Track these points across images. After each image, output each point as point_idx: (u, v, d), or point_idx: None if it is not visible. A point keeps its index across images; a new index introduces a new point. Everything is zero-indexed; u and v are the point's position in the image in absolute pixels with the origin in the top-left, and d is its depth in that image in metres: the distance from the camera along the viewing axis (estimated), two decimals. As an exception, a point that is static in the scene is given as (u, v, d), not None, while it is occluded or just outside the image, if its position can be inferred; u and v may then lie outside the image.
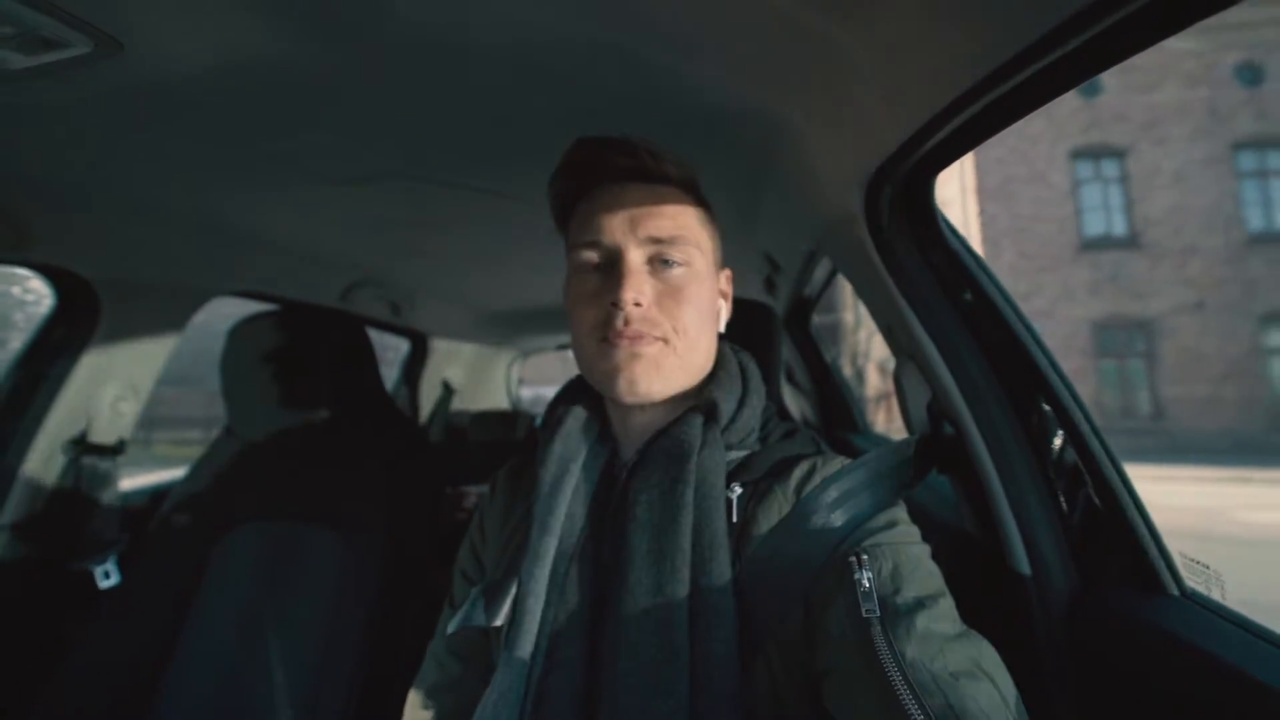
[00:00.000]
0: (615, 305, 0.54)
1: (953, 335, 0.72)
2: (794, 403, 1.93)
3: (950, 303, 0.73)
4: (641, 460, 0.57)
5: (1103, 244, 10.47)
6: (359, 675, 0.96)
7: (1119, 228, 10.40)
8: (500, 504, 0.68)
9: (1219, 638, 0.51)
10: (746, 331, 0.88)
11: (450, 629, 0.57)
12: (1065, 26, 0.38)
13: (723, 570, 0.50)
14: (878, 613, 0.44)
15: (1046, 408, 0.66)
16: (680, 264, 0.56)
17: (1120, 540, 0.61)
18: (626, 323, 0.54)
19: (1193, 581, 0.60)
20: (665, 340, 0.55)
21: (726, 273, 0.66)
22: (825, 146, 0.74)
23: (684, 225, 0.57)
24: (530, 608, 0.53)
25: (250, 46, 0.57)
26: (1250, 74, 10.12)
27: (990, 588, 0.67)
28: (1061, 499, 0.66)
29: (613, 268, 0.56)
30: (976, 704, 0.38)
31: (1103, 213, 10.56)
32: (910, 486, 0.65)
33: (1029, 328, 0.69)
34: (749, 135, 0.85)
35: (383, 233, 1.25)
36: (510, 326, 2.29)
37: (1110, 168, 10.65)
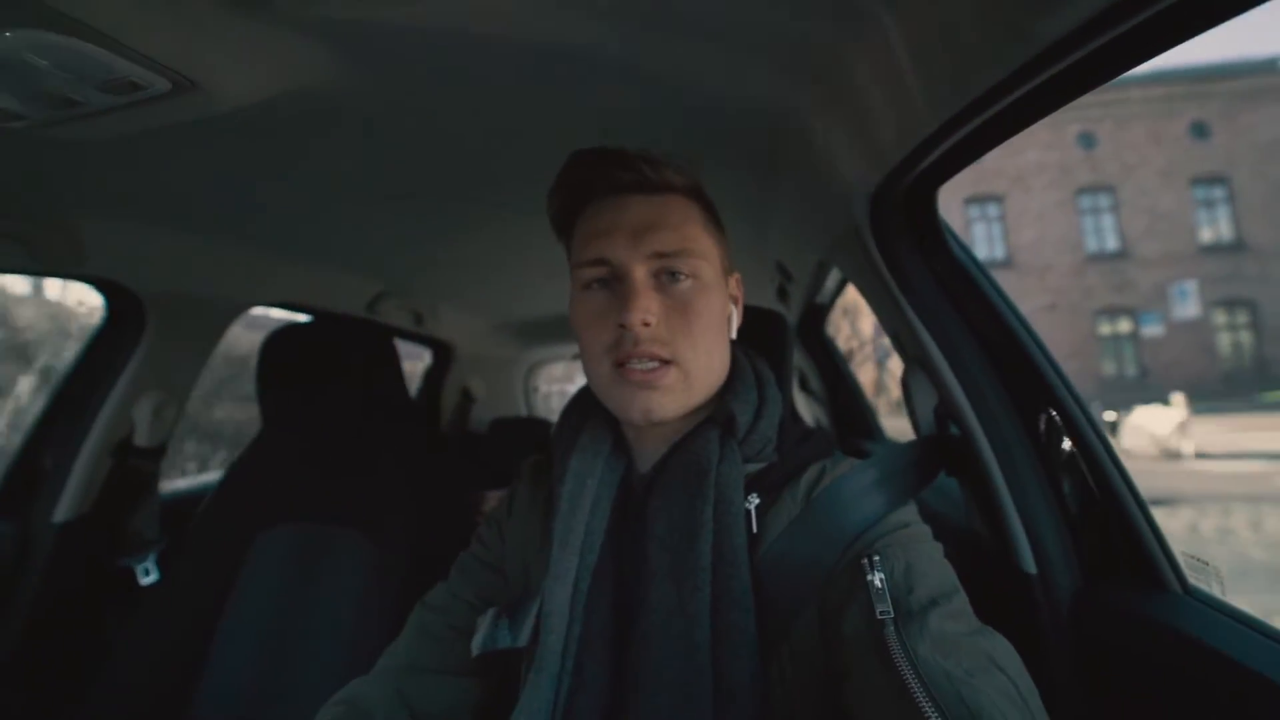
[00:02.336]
0: (624, 327, 0.52)
1: (958, 341, 0.72)
2: (807, 410, 1.92)
3: (955, 310, 0.74)
4: (659, 475, 0.56)
5: (988, 265, 12.32)
6: None
7: (999, 253, 14.96)
8: (525, 496, 0.67)
9: (1222, 633, 0.51)
10: (759, 340, 0.89)
11: (475, 651, 0.56)
12: (1066, 41, 0.39)
13: (744, 586, 0.50)
14: (891, 613, 0.44)
15: (1049, 410, 0.67)
16: (687, 277, 0.55)
17: (1123, 538, 0.62)
18: (636, 343, 0.52)
19: (1195, 578, 0.60)
20: (677, 364, 0.53)
21: (736, 277, 0.64)
22: (831, 159, 0.75)
23: (689, 236, 0.55)
24: (554, 626, 0.52)
25: (300, 79, 0.60)
26: (1087, 140, 14.91)
27: (997, 587, 0.67)
28: (1065, 499, 0.66)
29: (619, 285, 0.54)
30: (991, 699, 0.37)
31: (987, 243, 15.05)
32: (920, 487, 0.64)
33: (1031, 333, 0.69)
34: (758, 147, 0.86)
35: (407, 245, 1.30)
36: (527, 335, 2.32)
37: (993, 210, 15.27)
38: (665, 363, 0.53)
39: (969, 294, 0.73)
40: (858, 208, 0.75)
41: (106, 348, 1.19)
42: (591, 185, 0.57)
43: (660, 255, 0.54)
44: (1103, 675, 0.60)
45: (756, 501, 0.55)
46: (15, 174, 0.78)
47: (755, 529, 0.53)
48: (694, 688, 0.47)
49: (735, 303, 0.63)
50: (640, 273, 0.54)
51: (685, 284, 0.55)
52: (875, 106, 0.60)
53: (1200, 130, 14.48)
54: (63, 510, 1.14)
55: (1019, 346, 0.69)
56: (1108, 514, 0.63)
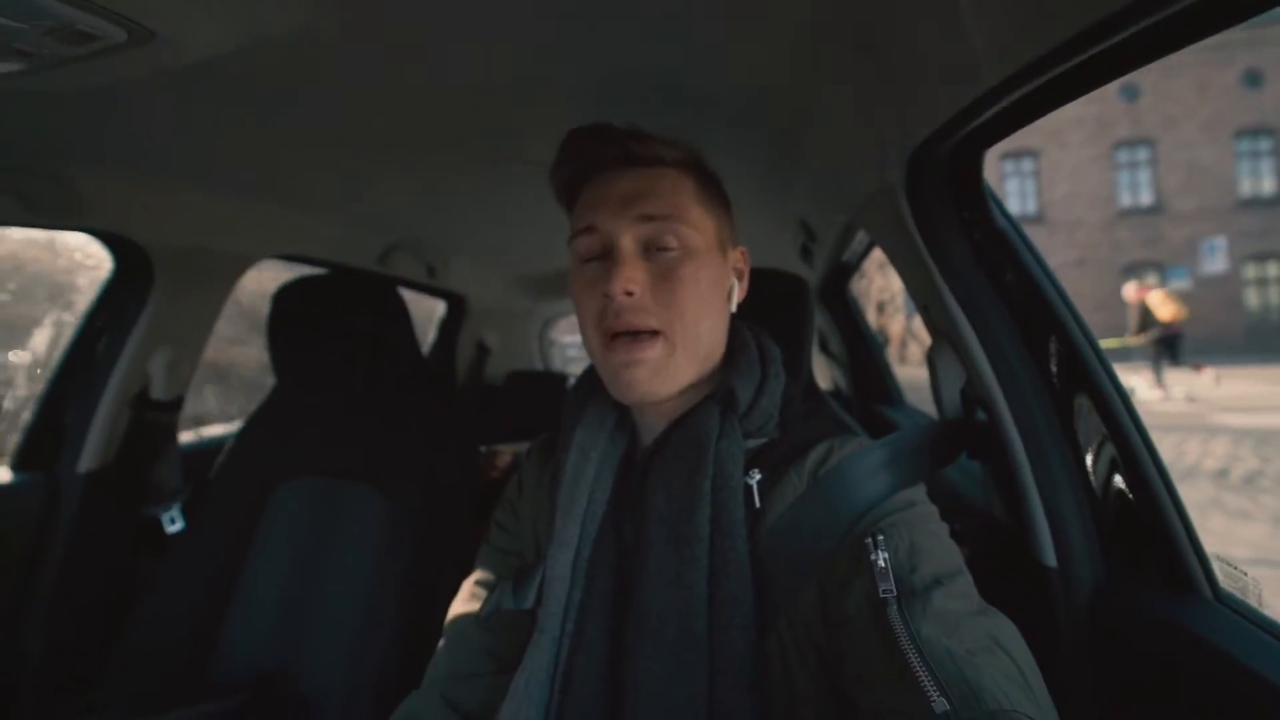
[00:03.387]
0: (607, 296, 0.53)
1: (992, 319, 0.69)
2: (826, 372, 1.90)
3: (992, 285, 0.70)
4: (659, 450, 0.57)
5: (1020, 220, 12.63)
6: (401, 622, 1.03)
7: (1031, 208, 14.84)
8: (533, 473, 0.69)
9: (1253, 646, 0.49)
10: (778, 304, 0.86)
11: (482, 616, 0.59)
12: (1133, 8, 0.35)
13: (741, 559, 0.51)
14: (894, 592, 0.44)
15: (1086, 398, 0.63)
16: (674, 247, 0.55)
17: (1153, 538, 0.59)
18: (619, 314, 0.53)
19: (1227, 585, 0.57)
20: (662, 334, 0.54)
21: (740, 250, 0.64)
22: (869, 114, 0.70)
23: (678, 205, 0.55)
24: (556, 591, 0.55)
25: (279, 25, 0.57)
26: (1130, 92, 14.23)
27: (1014, 576, 0.66)
28: (1095, 492, 0.64)
29: (608, 256, 0.55)
30: (993, 679, 0.38)
31: (1019, 199, 14.95)
32: (935, 469, 0.63)
33: (1075, 314, 0.66)
34: (787, 98, 0.81)
35: (419, 198, 1.27)
36: (542, 289, 2.30)
37: (1027, 165, 15.15)
38: (651, 334, 0.54)
39: (1009, 267, 0.69)
40: (893, 167, 0.70)
41: (116, 302, 1.19)
42: (587, 159, 0.58)
43: (647, 218, 0.55)
44: (1120, 679, 0.58)
45: (759, 477, 0.55)
46: (0, 127, 0.76)
47: (758, 504, 0.54)
48: (689, 655, 0.48)
49: (739, 276, 0.63)
50: (627, 241, 0.55)
51: (673, 254, 0.55)
52: (927, 55, 0.55)
53: (1253, 79, 13.79)
54: (87, 460, 1.17)
55: (1058, 325, 0.65)
56: (1138, 508, 0.60)
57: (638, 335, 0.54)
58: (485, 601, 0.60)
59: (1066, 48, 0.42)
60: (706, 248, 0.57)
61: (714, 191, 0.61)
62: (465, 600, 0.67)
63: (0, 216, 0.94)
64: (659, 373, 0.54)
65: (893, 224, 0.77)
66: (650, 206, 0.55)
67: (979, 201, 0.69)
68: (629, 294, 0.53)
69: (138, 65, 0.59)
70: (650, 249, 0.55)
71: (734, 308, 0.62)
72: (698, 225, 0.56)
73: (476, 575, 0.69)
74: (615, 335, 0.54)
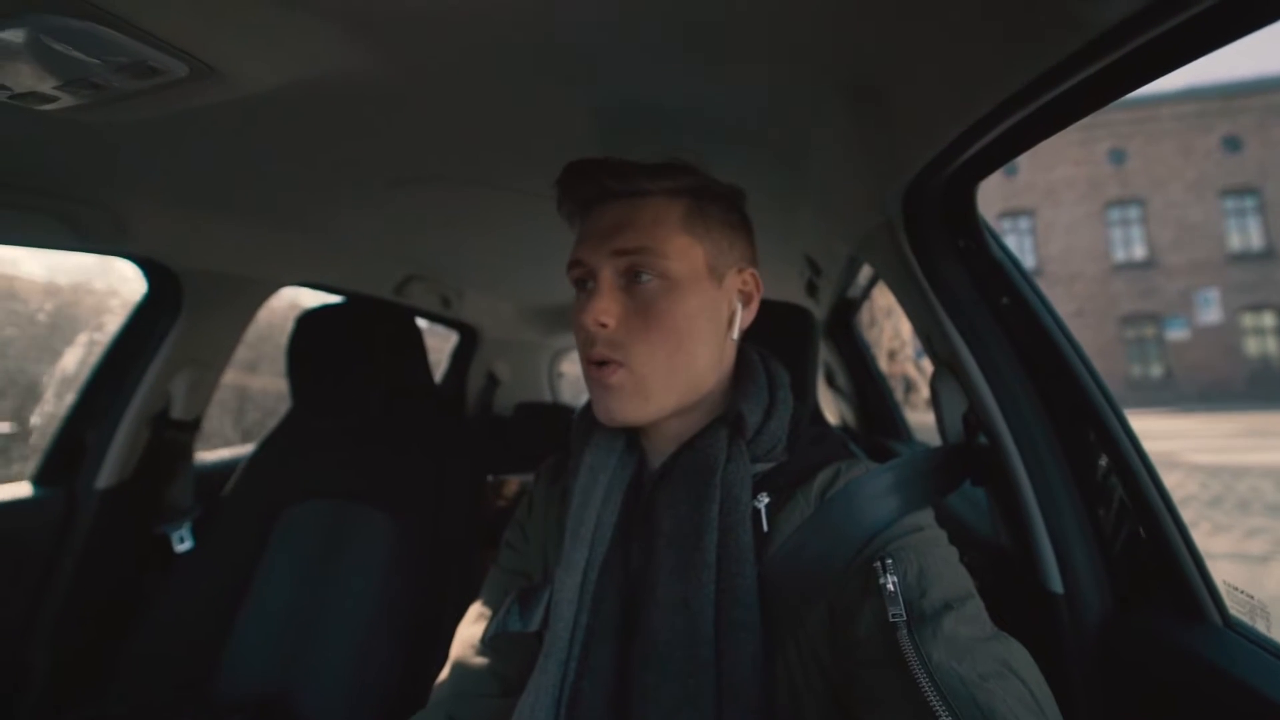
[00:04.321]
0: (582, 327, 0.55)
1: (991, 346, 0.70)
2: (833, 406, 1.91)
3: (991, 313, 0.71)
4: (667, 474, 0.57)
5: None
6: (405, 645, 1.02)
7: (1029, 263, 14.77)
8: (543, 494, 0.69)
9: (1265, 673, 0.48)
10: (782, 336, 0.88)
11: (487, 636, 0.59)
12: (1119, 29, 0.38)
13: (748, 584, 0.50)
14: (904, 616, 0.43)
15: (1086, 422, 0.64)
16: (653, 277, 0.55)
17: (1160, 563, 0.59)
18: (592, 345, 0.55)
19: (1237, 611, 0.57)
20: (626, 366, 0.55)
21: (750, 273, 0.62)
22: (866, 149, 0.73)
23: (656, 236, 0.55)
24: (563, 613, 0.54)
25: (320, 63, 0.61)
26: (1117, 155, 15.84)
27: (1022, 604, 0.66)
28: (1100, 518, 0.64)
29: (593, 286, 0.57)
30: (1006, 704, 0.37)
31: (1018, 254, 14.56)
32: (939, 495, 0.63)
33: (1072, 342, 0.67)
34: (787, 134, 0.84)
35: (435, 230, 1.31)
36: (552, 322, 2.34)
37: (1024, 223, 16.46)
38: (612, 363, 0.55)
39: (1007, 296, 0.70)
40: (891, 201, 0.73)
41: (145, 324, 1.22)
42: (580, 193, 0.60)
43: (622, 252, 0.55)
44: (1131, 706, 0.57)
45: (767, 500, 0.55)
46: (56, 155, 0.80)
47: (766, 528, 0.54)
48: (696, 680, 0.48)
49: (747, 301, 0.62)
50: (606, 274, 0.56)
51: (651, 284, 0.55)
52: (915, 92, 0.58)
53: (1232, 144, 15.13)
54: (104, 477, 1.18)
55: (1057, 353, 0.67)
56: (1144, 534, 0.60)
57: (605, 364, 0.55)
58: (490, 622, 0.60)
59: (1052, 75, 0.44)
60: (691, 276, 0.56)
61: (710, 216, 0.59)
62: (472, 621, 0.67)
63: (49, 241, 0.98)
64: (630, 399, 0.55)
65: (893, 256, 0.79)
66: (624, 240, 0.55)
67: (975, 232, 0.71)
68: (602, 325, 0.55)
69: (192, 99, 0.63)
70: (629, 281, 0.56)
71: (736, 333, 0.61)
72: (680, 254, 0.56)
73: (484, 597, 0.68)
74: (590, 362, 0.56)
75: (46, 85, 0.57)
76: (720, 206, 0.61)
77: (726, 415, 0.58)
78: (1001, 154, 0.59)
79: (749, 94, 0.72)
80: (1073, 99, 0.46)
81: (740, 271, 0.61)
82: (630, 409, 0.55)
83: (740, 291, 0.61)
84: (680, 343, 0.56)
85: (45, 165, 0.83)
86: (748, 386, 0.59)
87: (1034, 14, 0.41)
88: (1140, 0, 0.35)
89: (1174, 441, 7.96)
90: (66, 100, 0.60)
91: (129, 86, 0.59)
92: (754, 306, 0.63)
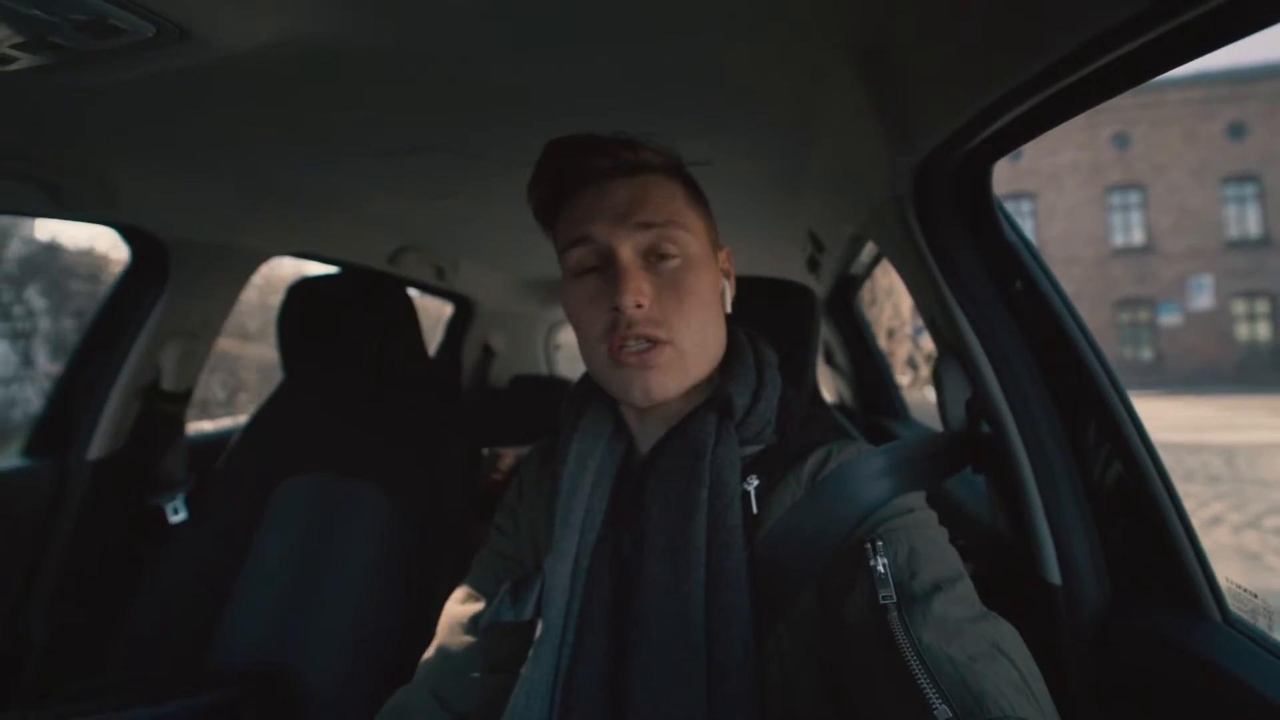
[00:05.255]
0: (617, 310, 0.53)
1: (1000, 332, 0.69)
2: (830, 384, 1.91)
3: (1001, 298, 0.70)
4: (656, 458, 0.57)
5: None
6: (399, 618, 1.03)
7: None
8: (532, 478, 0.69)
9: (1263, 671, 0.47)
10: (783, 314, 0.87)
11: (482, 626, 0.59)
12: (1146, 16, 0.36)
13: (738, 567, 0.51)
14: (894, 598, 0.43)
15: (1095, 415, 0.63)
16: (675, 255, 0.55)
17: (1161, 557, 0.58)
18: (630, 325, 0.53)
19: (1237, 608, 0.56)
20: (672, 343, 0.54)
21: (726, 251, 0.64)
22: (876, 123, 0.71)
23: (674, 211, 0.56)
24: (555, 601, 0.54)
25: (304, 25, 0.58)
26: (1121, 140, 15.76)
27: (1018, 593, 0.65)
28: (1102, 510, 0.63)
29: (608, 268, 0.55)
30: (995, 685, 0.37)
31: None
32: (936, 480, 0.63)
33: (1084, 330, 0.66)
34: (795, 107, 0.82)
35: (429, 200, 1.28)
36: (548, 294, 2.32)
37: (1025, 206, 16.39)
38: (659, 343, 0.54)
39: (1018, 280, 0.69)
40: (901, 177, 0.70)
41: (132, 294, 1.20)
42: (573, 173, 0.57)
43: (645, 226, 0.54)
44: (1125, 698, 0.57)
45: (756, 483, 0.55)
46: (31, 120, 0.77)
47: (756, 510, 0.54)
48: (688, 663, 0.48)
49: (727, 277, 0.64)
50: (627, 253, 0.54)
51: (674, 263, 0.55)
52: (936, 63, 0.55)
53: (1237, 131, 15.15)
54: (96, 449, 1.17)
55: (1067, 340, 0.65)
56: (1145, 527, 0.59)
57: (648, 344, 0.54)
58: (484, 610, 0.60)
59: (1078, 55, 0.41)
60: (702, 253, 0.57)
61: (699, 195, 0.61)
62: (459, 601, 0.67)
63: (26, 207, 0.95)
64: (670, 376, 0.54)
65: (900, 235, 0.77)
66: (647, 214, 0.54)
67: (988, 213, 0.69)
68: (639, 305, 0.53)
69: (166, 61, 0.60)
70: (650, 258, 0.55)
71: (728, 308, 0.62)
72: (693, 230, 0.57)
73: (473, 577, 0.68)
74: (623, 346, 0.54)
75: (3, 45, 0.54)
76: (699, 190, 0.63)
77: (714, 398, 0.58)
78: (1023, 132, 0.56)
79: (755, 59, 0.69)
80: (1112, 74, 0.44)
81: (721, 249, 0.63)
82: (671, 386, 0.54)
83: (723, 269, 0.63)
84: (708, 317, 0.57)
85: (21, 130, 0.79)
86: (735, 367, 0.59)
87: None
88: None
89: (1149, 422, 8.79)
90: (27, 60, 0.57)
91: (93, 46, 0.56)
92: (733, 283, 0.65)
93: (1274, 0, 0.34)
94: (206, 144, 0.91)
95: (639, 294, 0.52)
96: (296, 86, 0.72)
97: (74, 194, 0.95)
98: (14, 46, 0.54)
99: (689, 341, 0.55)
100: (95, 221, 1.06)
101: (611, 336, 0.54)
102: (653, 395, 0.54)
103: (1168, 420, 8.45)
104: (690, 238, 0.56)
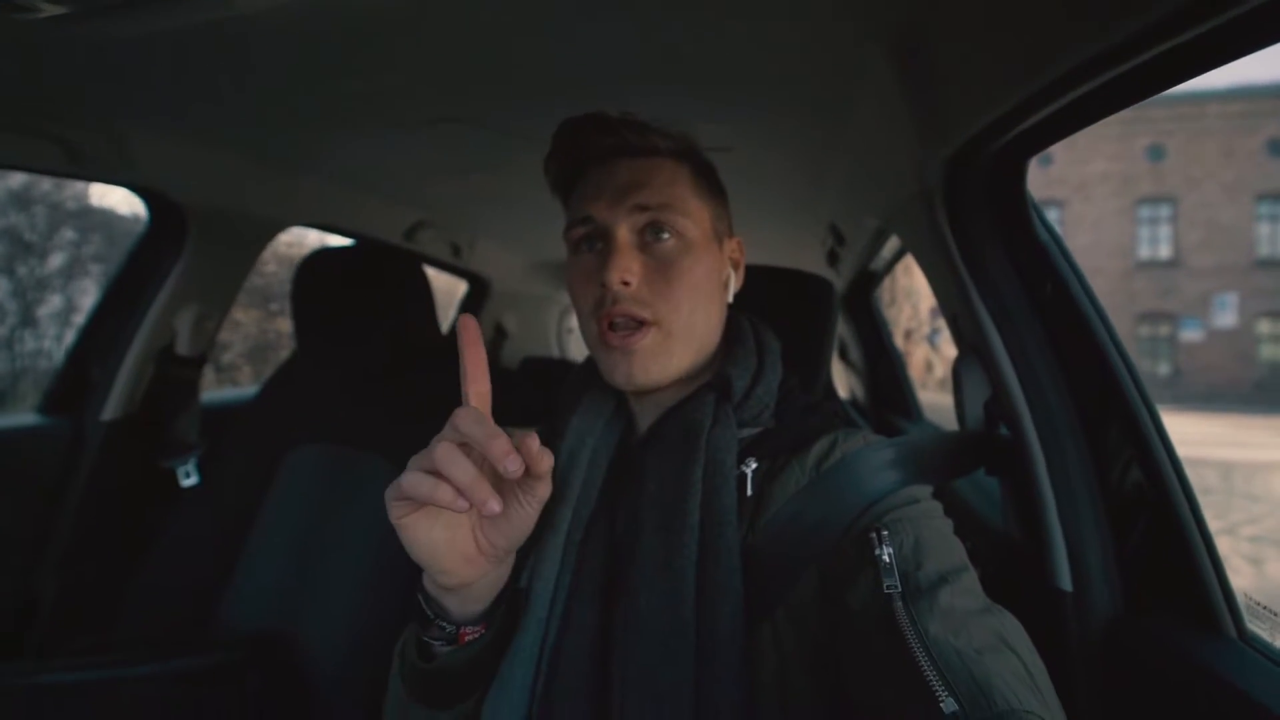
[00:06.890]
0: (604, 286, 0.54)
1: (1024, 333, 0.67)
2: (842, 380, 1.88)
3: (1028, 300, 0.68)
4: (653, 437, 0.58)
5: None
6: (403, 591, 1.03)
7: None
8: None
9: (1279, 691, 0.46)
10: (801, 306, 0.86)
11: None
12: (1191, 10, 0.34)
13: (730, 546, 0.51)
14: (899, 588, 0.43)
15: (1118, 423, 0.62)
16: (671, 235, 0.56)
17: (1177, 568, 0.57)
18: (615, 302, 0.54)
19: (1254, 625, 0.55)
20: (657, 324, 0.55)
21: (737, 240, 0.65)
22: (908, 113, 0.69)
23: (673, 195, 0.56)
24: (544, 573, 0.55)
25: None
26: (1155, 152, 15.46)
27: (1027, 599, 0.64)
28: (1119, 519, 0.62)
29: (604, 246, 0.56)
30: (1001, 678, 0.37)
31: None
32: (948, 478, 0.63)
33: (1113, 336, 0.64)
34: (824, 95, 0.80)
35: (447, 175, 1.27)
36: (563, 276, 2.31)
37: (1053, 214, 15.18)
38: (644, 324, 0.55)
39: (1048, 281, 0.67)
40: (932, 170, 0.69)
41: (149, 257, 1.21)
42: (583, 150, 0.59)
43: (642, 208, 0.55)
44: (1131, 712, 0.56)
45: (754, 465, 0.55)
46: (50, 74, 0.76)
47: (750, 491, 0.54)
48: (676, 640, 0.48)
49: (735, 266, 0.64)
50: (623, 231, 0.55)
51: (668, 243, 0.56)
52: (973, 53, 0.54)
53: (1277, 147, 14.81)
54: (110, 410, 1.18)
55: (1094, 344, 0.64)
56: (1163, 537, 0.58)
57: (633, 325, 0.55)
58: None
59: (1121, 50, 0.40)
60: (702, 238, 0.58)
61: (709, 181, 0.62)
62: None
63: (45, 166, 0.96)
64: (654, 361, 0.55)
65: (927, 230, 0.75)
66: (645, 196, 0.55)
67: (1020, 210, 0.67)
68: (625, 284, 0.54)
69: (188, 14, 0.59)
70: (646, 239, 0.56)
71: (730, 298, 0.63)
72: (693, 215, 0.57)
73: None
74: (611, 325, 0.55)
75: None
76: (711, 176, 0.63)
77: (713, 380, 0.58)
78: (1061, 127, 0.55)
79: (786, 45, 0.67)
80: (1155, 69, 0.42)
81: (730, 238, 0.64)
82: (654, 371, 0.55)
83: (730, 258, 0.63)
84: (699, 302, 0.57)
85: (41, 85, 0.79)
86: (735, 351, 0.60)
87: None
88: None
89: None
90: (48, 9, 0.56)
91: None
92: (741, 273, 0.65)
93: None
94: (225, 106, 0.90)
95: (626, 271, 0.54)
96: (318, 52, 0.72)
97: (93, 154, 0.95)
98: None
99: (676, 325, 0.55)
100: (113, 182, 1.06)
101: (600, 313, 0.55)
102: (635, 380, 0.55)
103: (1176, 434, 8.51)
104: (689, 223, 0.56)
